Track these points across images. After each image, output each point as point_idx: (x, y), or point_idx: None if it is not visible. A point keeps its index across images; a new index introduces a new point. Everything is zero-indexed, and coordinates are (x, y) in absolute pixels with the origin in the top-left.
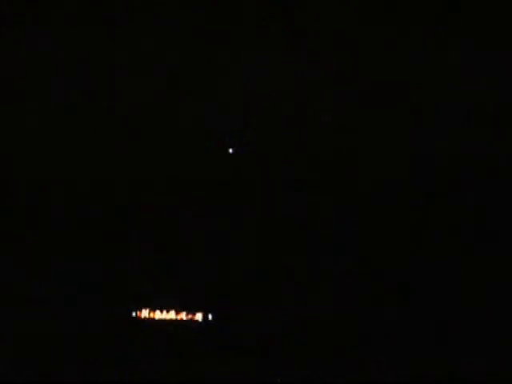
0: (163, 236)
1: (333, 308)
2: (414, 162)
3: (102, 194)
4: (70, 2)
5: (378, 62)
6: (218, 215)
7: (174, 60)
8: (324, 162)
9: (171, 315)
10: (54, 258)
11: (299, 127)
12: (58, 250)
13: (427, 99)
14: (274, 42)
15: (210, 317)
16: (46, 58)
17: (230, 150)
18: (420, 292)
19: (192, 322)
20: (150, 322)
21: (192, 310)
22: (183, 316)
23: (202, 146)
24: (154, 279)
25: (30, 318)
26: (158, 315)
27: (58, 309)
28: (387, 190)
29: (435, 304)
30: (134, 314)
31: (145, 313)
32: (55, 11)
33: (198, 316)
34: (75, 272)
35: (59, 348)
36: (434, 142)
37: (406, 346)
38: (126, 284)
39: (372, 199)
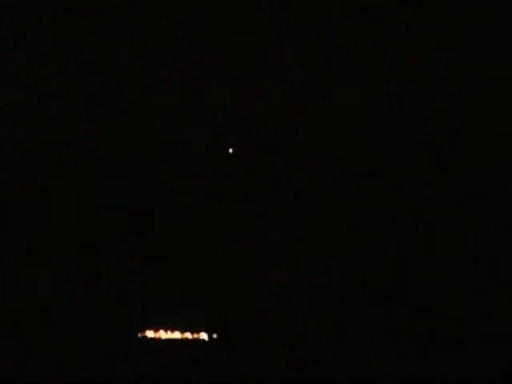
0: (164, 246)
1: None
2: None
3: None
4: None
5: None
6: (217, 216)
7: (174, 59)
8: (323, 161)
9: (176, 335)
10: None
11: (299, 127)
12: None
13: None
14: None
15: (214, 336)
16: None
17: (230, 150)
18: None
19: (197, 341)
20: (156, 341)
21: (197, 330)
22: (188, 335)
23: (202, 146)
24: (158, 298)
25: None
26: (163, 335)
27: (61, 330)
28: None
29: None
30: (139, 334)
31: (149, 333)
32: None
33: (203, 335)
34: (79, 290)
35: (61, 367)
36: None
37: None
38: (129, 303)
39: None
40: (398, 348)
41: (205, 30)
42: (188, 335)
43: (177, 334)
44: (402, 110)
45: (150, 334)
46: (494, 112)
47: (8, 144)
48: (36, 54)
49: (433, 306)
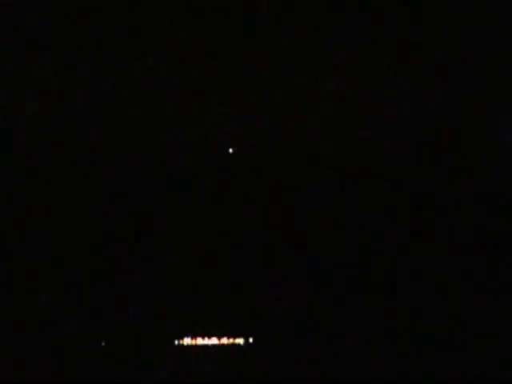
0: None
1: None
2: None
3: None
4: None
5: None
6: (218, 217)
7: (174, 59)
8: (323, 161)
9: (213, 341)
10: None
11: (299, 126)
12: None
13: None
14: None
15: (250, 340)
16: None
17: (230, 150)
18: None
19: (233, 346)
20: (193, 348)
21: (233, 335)
22: (224, 341)
23: (202, 146)
24: (194, 306)
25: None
26: (200, 341)
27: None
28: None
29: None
30: (176, 341)
31: (187, 340)
32: None
33: (239, 340)
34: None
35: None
36: None
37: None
38: (165, 312)
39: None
40: (398, 348)
41: (205, 30)
42: (224, 341)
43: (214, 340)
44: (402, 109)
45: (187, 341)
46: (494, 112)
47: (8, 144)
48: (36, 54)
49: (432, 306)
